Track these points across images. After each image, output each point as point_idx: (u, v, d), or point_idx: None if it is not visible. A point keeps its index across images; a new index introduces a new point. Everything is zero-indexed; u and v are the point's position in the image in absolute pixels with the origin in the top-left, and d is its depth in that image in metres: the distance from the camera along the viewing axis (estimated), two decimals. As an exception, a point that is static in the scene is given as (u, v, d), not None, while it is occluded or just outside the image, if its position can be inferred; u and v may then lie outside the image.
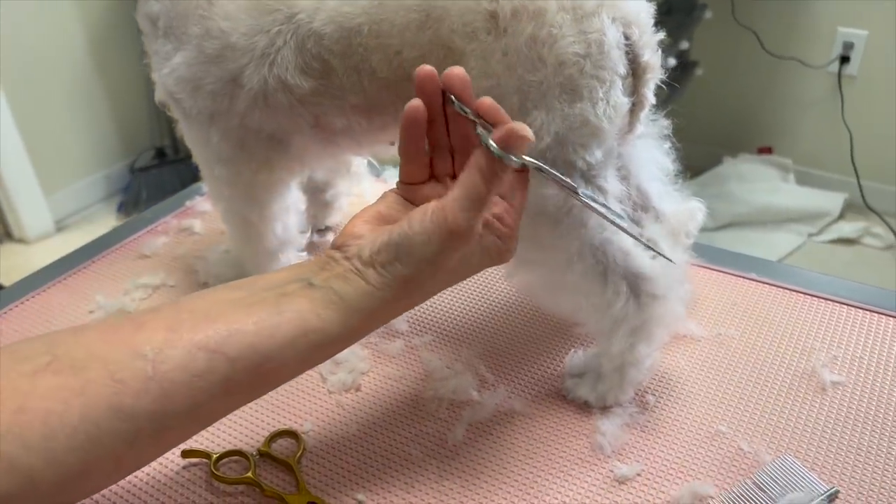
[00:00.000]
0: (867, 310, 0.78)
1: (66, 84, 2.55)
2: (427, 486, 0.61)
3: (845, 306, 0.79)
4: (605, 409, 0.67)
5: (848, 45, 2.32)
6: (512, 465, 0.62)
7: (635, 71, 0.63)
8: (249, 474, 0.61)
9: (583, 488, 0.60)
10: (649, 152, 0.74)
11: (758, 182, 2.48)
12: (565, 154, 0.61)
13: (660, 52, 0.66)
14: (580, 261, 0.63)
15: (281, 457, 0.63)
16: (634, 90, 0.64)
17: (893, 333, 0.75)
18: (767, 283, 0.83)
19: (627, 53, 0.62)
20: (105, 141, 2.70)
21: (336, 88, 0.66)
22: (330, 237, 0.93)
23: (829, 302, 0.80)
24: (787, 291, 0.81)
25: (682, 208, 0.76)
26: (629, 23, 0.61)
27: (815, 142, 2.48)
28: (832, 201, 2.43)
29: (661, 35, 0.67)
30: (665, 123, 0.76)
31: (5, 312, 0.81)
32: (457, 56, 0.60)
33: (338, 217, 0.95)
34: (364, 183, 1.01)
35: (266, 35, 0.65)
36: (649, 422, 0.66)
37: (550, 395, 0.70)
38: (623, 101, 0.61)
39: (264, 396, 0.68)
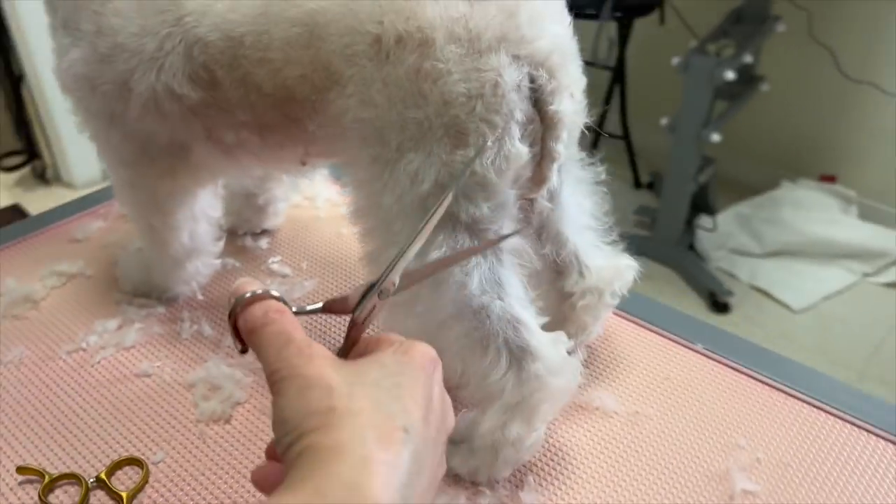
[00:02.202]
0: (814, 405, 0.69)
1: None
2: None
3: (790, 398, 0.70)
4: (477, 484, 0.61)
5: (933, 75, 2.11)
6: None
7: (542, 119, 0.55)
8: (74, 505, 0.58)
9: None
10: (577, 200, 0.67)
11: (815, 211, 2.31)
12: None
13: (580, 99, 0.58)
14: (457, 322, 0.56)
15: (115, 489, 0.59)
16: (542, 140, 0.56)
17: (836, 438, 0.66)
18: (711, 357, 0.74)
19: (532, 99, 0.55)
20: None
21: (224, 102, 0.61)
22: (264, 242, 0.89)
23: (772, 389, 0.70)
24: (730, 370, 0.72)
25: (609, 265, 0.68)
26: (537, 63, 0.53)
27: (883, 174, 2.28)
28: (895, 241, 2.24)
29: (585, 82, 0.59)
30: (600, 169, 0.67)
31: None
32: (335, 80, 0.54)
33: (276, 221, 0.90)
34: (317, 188, 0.96)
35: (155, 37, 0.60)
36: (519, 508, 0.59)
37: (424, 459, 0.64)
38: (520, 151, 0.54)
39: (122, 413, 0.66)
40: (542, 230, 0.66)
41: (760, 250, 2.25)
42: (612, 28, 2.22)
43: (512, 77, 0.52)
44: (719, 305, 2.08)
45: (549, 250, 0.66)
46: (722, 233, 2.26)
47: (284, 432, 0.35)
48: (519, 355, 0.57)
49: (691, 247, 2.24)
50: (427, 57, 0.51)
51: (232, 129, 0.63)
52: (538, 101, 0.54)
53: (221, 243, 0.79)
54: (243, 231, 0.88)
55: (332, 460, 0.33)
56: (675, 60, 1.95)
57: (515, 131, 0.53)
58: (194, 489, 0.60)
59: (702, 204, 2.21)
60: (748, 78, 2.13)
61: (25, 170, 2.58)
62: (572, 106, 0.56)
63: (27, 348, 0.73)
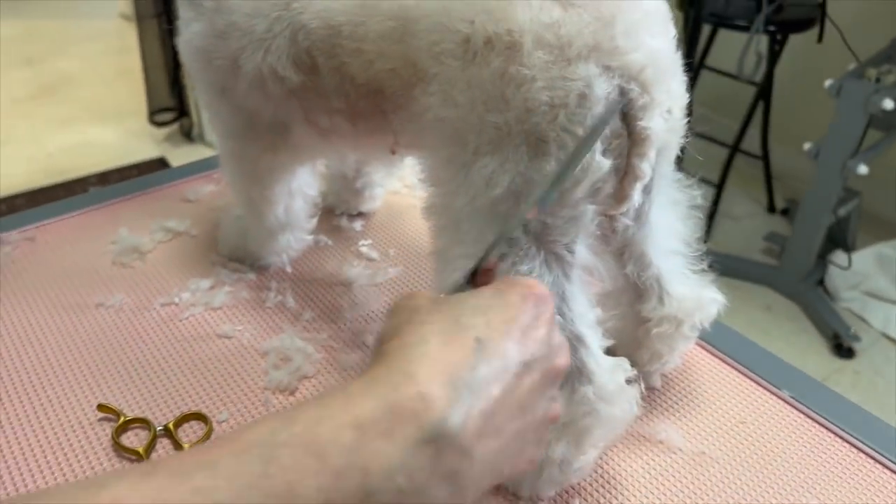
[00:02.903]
0: (905, 480, 0.63)
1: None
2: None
3: (878, 465, 0.64)
4: (519, 497, 0.60)
5: None
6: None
7: (630, 135, 0.53)
8: (140, 449, 0.62)
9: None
10: (669, 222, 0.64)
11: (970, 262, 2.10)
12: (518, 210, 0.53)
13: (679, 117, 0.56)
14: None
15: (179, 440, 0.63)
16: (627, 156, 0.54)
17: (923, 520, 0.60)
18: (796, 407, 0.69)
19: (622, 113, 0.52)
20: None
21: (321, 88, 0.63)
22: (358, 224, 0.91)
23: (859, 453, 0.64)
24: (815, 424, 0.67)
25: (692, 295, 0.65)
26: (630, 77, 0.51)
27: None
28: None
29: (687, 97, 0.57)
30: (697, 193, 0.64)
31: (42, 225, 0.88)
32: (420, 76, 0.55)
33: (373, 205, 0.92)
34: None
35: (265, 19, 0.63)
36: (557, 530, 0.58)
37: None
38: (600, 165, 0.52)
39: (198, 369, 0.69)
40: (624, 249, 0.63)
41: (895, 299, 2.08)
42: (762, 42, 2.09)
43: (601, 88, 0.50)
44: (842, 350, 1.94)
45: (631, 271, 0.64)
46: (857, 272, 2.10)
47: (373, 349, 0.39)
48: (574, 374, 0.55)
49: (821, 282, 2.10)
50: (513, 61, 0.50)
51: (327, 114, 0.64)
52: (627, 115, 0.52)
53: (315, 220, 0.82)
54: (340, 211, 0.91)
55: (394, 356, 0.36)
56: (828, 83, 1.83)
57: (598, 144, 0.52)
58: (250, 453, 0.63)
59: (838, 238, 2.07)
60: (909, 109, 1.96)
61: (174, 126, 2.76)
62: (665, 124, 0.54)
63: (127, 295, 0.79)
